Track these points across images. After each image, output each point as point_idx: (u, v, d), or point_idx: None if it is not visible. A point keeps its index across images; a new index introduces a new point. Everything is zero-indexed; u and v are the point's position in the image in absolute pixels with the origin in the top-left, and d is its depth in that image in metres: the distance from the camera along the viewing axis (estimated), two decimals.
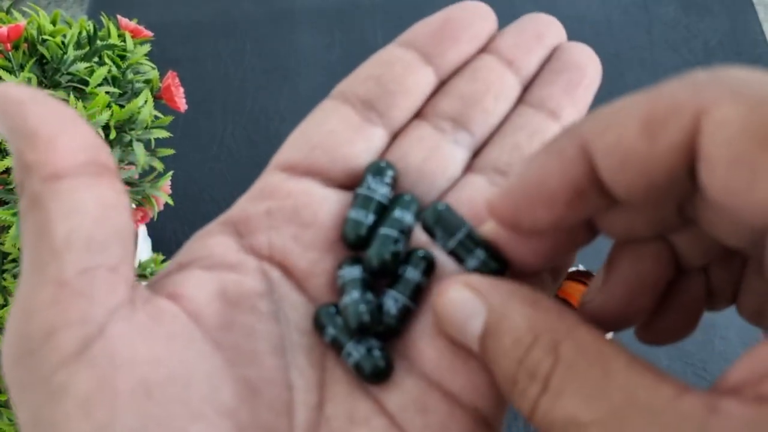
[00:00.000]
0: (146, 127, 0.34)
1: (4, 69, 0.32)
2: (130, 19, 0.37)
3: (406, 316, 0.17)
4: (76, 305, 0.14)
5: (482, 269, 0.17)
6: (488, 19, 0.20)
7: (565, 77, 0.20)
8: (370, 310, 0.17)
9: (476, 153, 0.20)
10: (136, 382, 0.14)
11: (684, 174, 0.13)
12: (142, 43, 0.36)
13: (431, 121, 0.20)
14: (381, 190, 0.18)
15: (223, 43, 0.63)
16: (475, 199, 0.19)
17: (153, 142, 0.35)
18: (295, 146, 0.19)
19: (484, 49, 0.21)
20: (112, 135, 0.32)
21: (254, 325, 0.17)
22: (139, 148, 0.33)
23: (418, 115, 0.20)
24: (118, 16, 0.36)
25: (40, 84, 0.33)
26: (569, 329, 0.14)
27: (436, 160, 0.19)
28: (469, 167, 0.20)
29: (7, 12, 0.35)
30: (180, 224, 0.50)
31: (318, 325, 0.17)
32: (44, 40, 0.33)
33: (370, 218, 0.18)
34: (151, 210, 0.36)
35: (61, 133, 0.15)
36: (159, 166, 0.37)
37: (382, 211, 0.18)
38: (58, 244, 0.15)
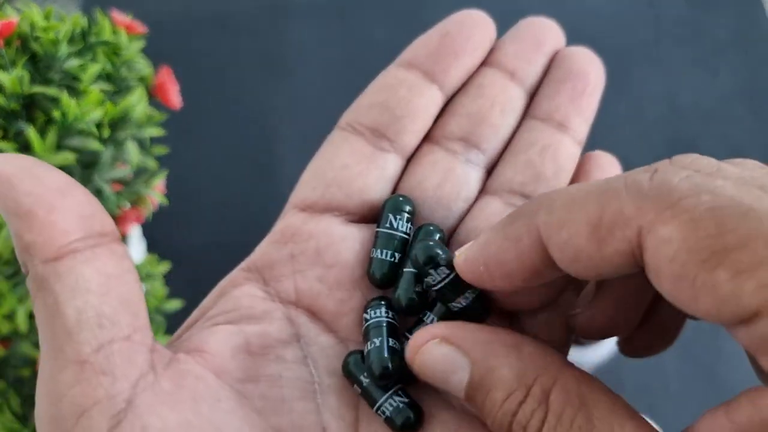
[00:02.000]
0: (140, 125, 0.33)
1: None
2: (124, 14, 0.36)
3: None
4: (100, 383, 0.15)
5: (467, 312, 0.18)
6: (486, 27, 0.20)
7: (569, 86, 0.20)
8: (392, 358, 0.17)
9: (490, 169, 0.20)
10: None
11: (631, 266, 0.14)
12: (136, 39, 0.35)
13: (441, 143, 0.20)
14: (401, 226, 0.19)
15: (219, 39, 0.62)
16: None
17: (147, 140, 0.35)
18: (310, 184, 0.19)
19: (485, 62, 0.21)
20: (106, 133, 0.32)
21: (281, 374, 0.17)
22: (132, 147, 0.33)
23: (428, 138, 0.20)
24: (113, 12, 0.36)
25: (32, 81, 0.32)
26: (556, 374, 0.15)
27: (450, 183, 0.20)
28: (484, 188, 0.20)
29: (0, 8, 0.34)
30: (175, 224, 0.49)
31: (348, 375, 0.18)
32: (37, 37, 0.32)
33: (394, 256, 0.18)
34: (145, 210, 0.35)
35: (55, 209, 0.15)
36: (153, 165, 0.36)
37: (405, 246, 0.19)
38: (71, 325, 0.15)
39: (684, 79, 0.61)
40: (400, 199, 0.19)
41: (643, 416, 0.14)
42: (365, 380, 0.17)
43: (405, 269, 0.18)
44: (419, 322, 0.18)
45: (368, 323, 0.18)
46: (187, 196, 0.48)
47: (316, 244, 0.19)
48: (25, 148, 0.30)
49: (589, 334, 0.18)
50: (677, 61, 0.62)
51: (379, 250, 0.18)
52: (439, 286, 0.17)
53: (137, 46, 0.35)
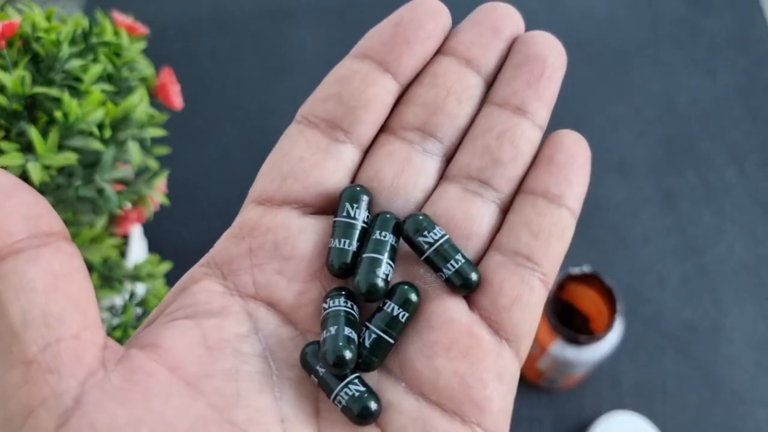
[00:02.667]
0: (141, 126, 0.33)
1: None
2: (126, 15, 0.36)
3: (386, 350, 0.18)
4: (47, 381, 0.15)
5: (458, 279, 0.18)
6: (440, 15, 0.20)
7: (526, 70, 0.20)
8: (348, 347, 0.17)
9: (450, 158, 0.20)
10: None
11: None
12: (137, 40, 0.36)
13: (398, 134, 0.20)
14: (359, 215, 0.19)
15: (220, 40, 0.63)
16: (451, 211, 0.19)
17: (149, 140, 0.35)
18: (267, 178, 0.19)
19: (441, 50, 0.20)
20: (107, 133, 0.32)
21: (238, 367, 0.17)
22: (134, 147, 0.33)
23: (384, 129, 0.20)
24: (114, 13, 0.36)
25: (34, 81, 0.32)
26: None
27: (408, 173, 0.20)
28: (442, 175, 0.20)
29: (2, 9, 0.35)
30: (176, 224, 0.50)
31: (305, 366, 0.17)
32: (38, 38, 0.32)
33: (353, 245, 0.19)
34: (146, 210, 0.36)
35: None
36: (154, 165, 0.36)
37: (363, 235, 0.19)
38: (16, 325, 0.15)
39: (682, 79, 0.61)
40: (357, 188, 0.19)
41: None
42: (321, 370, 0.17)
43: (364, 255, 0.18)
44: (379, 311, 0.18)
45: (326, 312, 0.18)
46: (189, 196, 0.48)
47: (273, 237, 0.19)
48: (27, 148, 0.31)
49: None
50: (675, 61, 0.62)
51: (337, 240, 0.19)
52: (436, 245, 0.18)
53: (138, 47, 0.35)
